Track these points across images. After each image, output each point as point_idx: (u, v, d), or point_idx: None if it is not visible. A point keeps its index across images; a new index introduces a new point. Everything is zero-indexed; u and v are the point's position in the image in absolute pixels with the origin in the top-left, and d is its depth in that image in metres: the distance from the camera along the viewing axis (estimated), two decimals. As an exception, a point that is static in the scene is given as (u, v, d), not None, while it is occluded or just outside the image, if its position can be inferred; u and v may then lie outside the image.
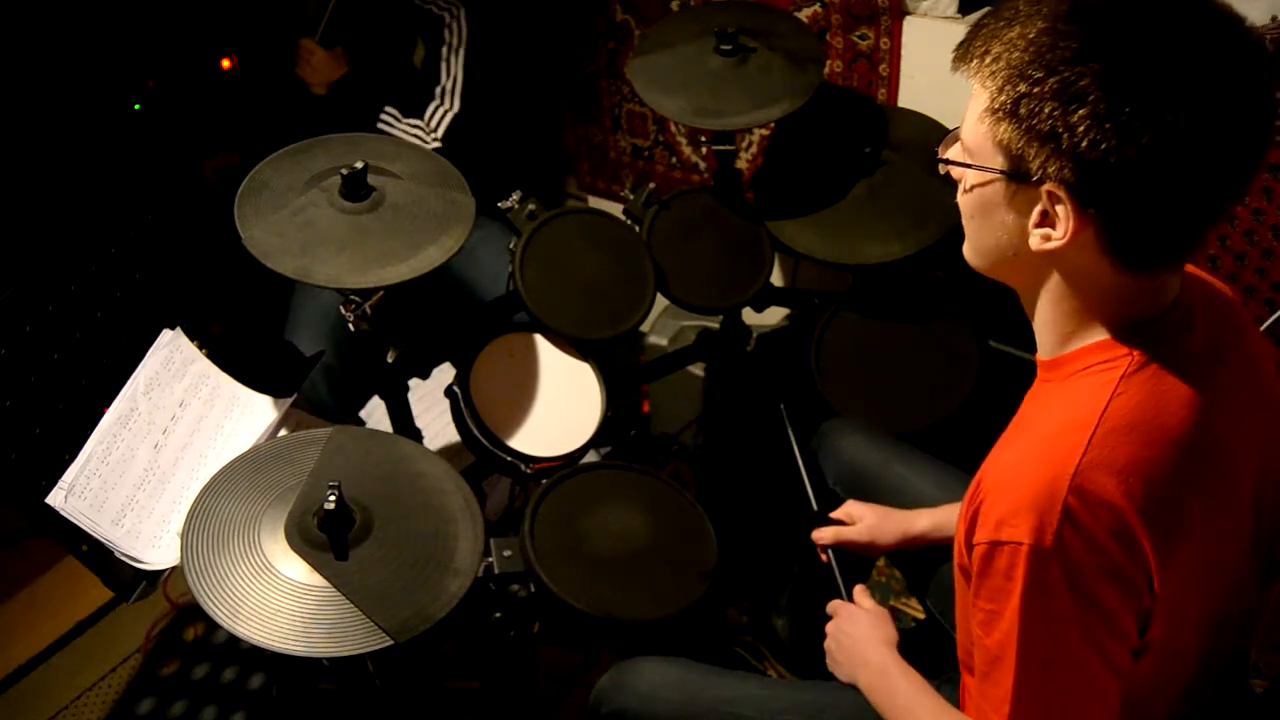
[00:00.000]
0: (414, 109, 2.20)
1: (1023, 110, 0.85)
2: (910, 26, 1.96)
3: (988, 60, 0.88)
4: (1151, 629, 0.94)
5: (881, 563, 1.95)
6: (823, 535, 1.48)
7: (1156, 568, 0.90)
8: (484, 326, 1.77)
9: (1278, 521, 1.06)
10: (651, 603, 1.50)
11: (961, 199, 0.98)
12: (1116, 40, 0.82)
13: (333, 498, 1.26)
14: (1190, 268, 1.03)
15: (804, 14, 2.07)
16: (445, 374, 1.82)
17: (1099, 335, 0.95)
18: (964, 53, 0.91)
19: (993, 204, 0.93)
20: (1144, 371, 0.92)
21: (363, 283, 1.44)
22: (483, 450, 1.68)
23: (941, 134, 1.01)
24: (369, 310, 1.52)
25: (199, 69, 2.37)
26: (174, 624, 2.13)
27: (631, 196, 1.93)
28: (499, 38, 2.25)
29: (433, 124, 2.19)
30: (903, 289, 1.91)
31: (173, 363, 1.68)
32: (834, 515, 1.50)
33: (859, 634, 1.30)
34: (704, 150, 2.43)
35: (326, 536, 1.28)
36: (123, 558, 1.52)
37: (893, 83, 2.03)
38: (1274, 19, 1.57)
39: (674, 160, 2.51)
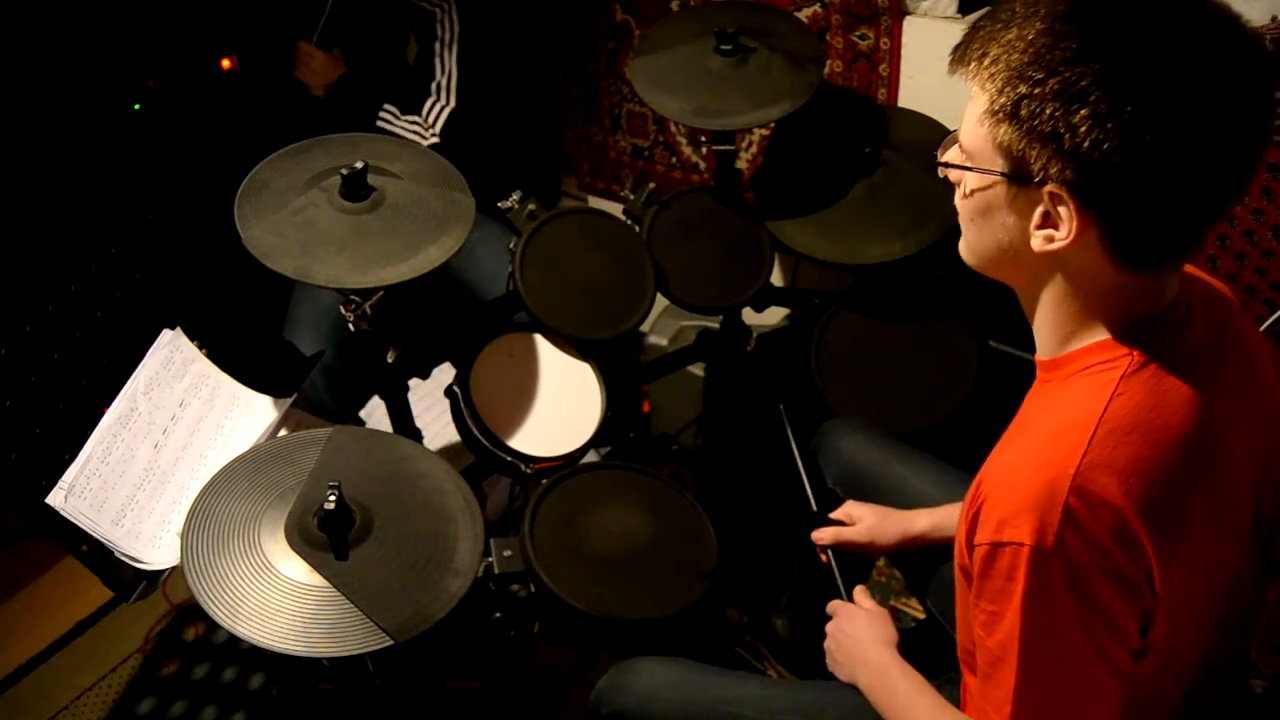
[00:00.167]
0: (411, 106, 2.21)
1: (1024, 112, 0.85)
2: (910, 26, 1.96)
3: (986, 62, 0.88)
4: (1153, 629, 0.94)
5: (881, 563, 1.95)
6: (822, 536, 1.48)
7: (1158, 568, 0.90)
8: (484, 326, 1.77)
9: (1277, 521, 1.06)
10: (651, 603, 1.50)
11: (960, 202, 0.98)
12: (1116, 40, 0.82)
13: (333, 498, 1.26)
14: (1190, 268, 1.03)
15: (804, 14, 2.07)
16: (445, 374, 1.82)
17: (1099, 335, 0.95)
18: (961, 55, 0.91)
19: (993, 206, 0.93)
20: (1144, 371, 0.92)
21: (363, 283, 1.44)
22: (483, 450, 1.68)
23: (941, 134, 1.01)
24: (369, 310, 1.52)
25: (199, 69, 2.37)
26: (174, 624, 2.13)
27: (631, 196, 1.93)
28: (492, 32, 2.25)
29: (430, 120, 2.19)
30: (903, 289, 1.91)
31: (173, 363, 1.68)
32: (834, 515, 1.50)
33: (859, 634, 1.30)
34: (704, 150, 2.43)
35: (326, 536, 1.28)
36: (123, 558, 1.52)
37: (893, 83, 2.03)
38: (1274, 19, 1.57)
39: (674, 160, 2.51)
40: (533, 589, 1.49)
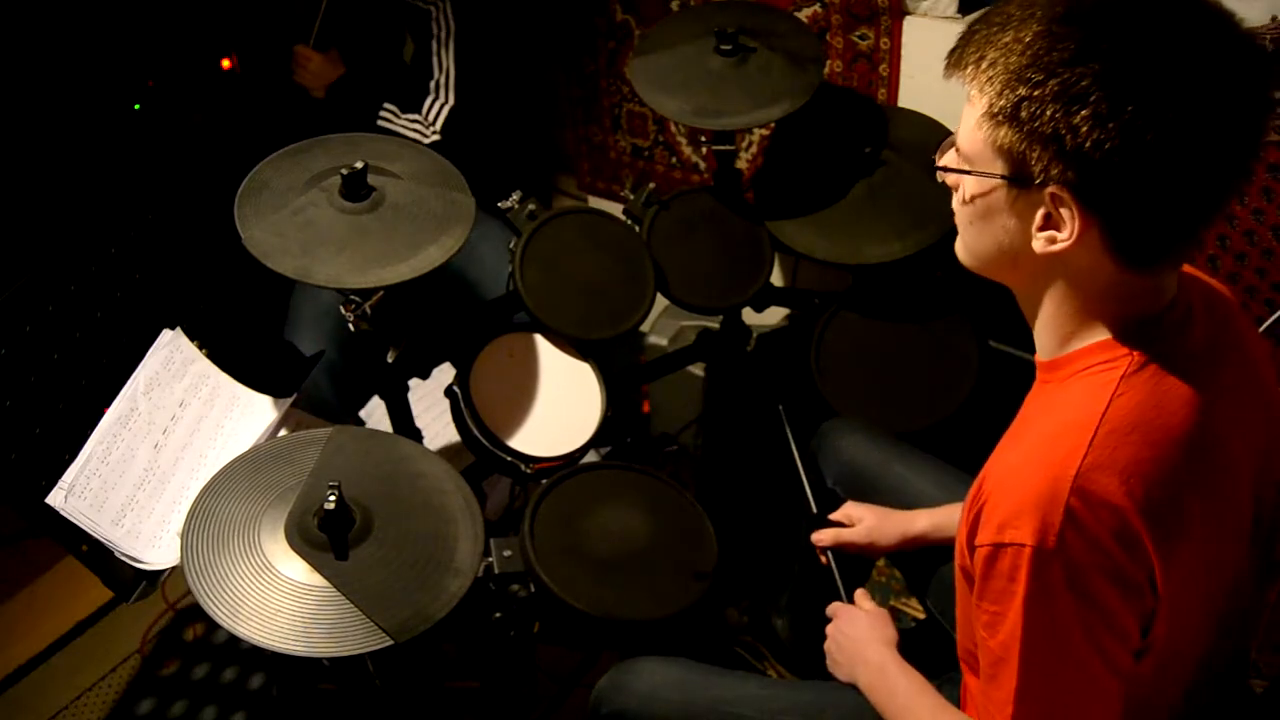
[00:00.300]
0: (411, 104, 2.21)
1: (1023, 114, 0.85)
2: (910, 26, 1.96)
3: (984, 66, 0.88)
4: (1153, 629, 0.94)
5: (881, 563, 1.95)
6: (822, 538, 1.48)
7: (1159, 568, 0.91)
8: (484, 326, 1.77)
9: (1276, 520, 1.06)
10: (651, 603, 1.50)
11: (958, 206, 0.98)
12: (1114, 40, 0.82)
13: (333, 498, 1.26)
14: (1189, 269, 1.03)
15: (804, 14, 2.07)
16: (445, 374, 1.82)
17: (1099, 335, 0.95)
18: (957, 59, 0.91)
19: (993, 209, 0.93)
20: (1144, 371, 0.92)
21: (363, 283, 1.44)
22: (483, 450, 1.68)
23: (942, 134, 1.01)
24: (369, 310, 1.52)
25: (199, 69, 2.37)
26: (174, 624, 2.13)
27: (631, 196, 1.93)
28: (488, 29, 2.25)
29: (430, 117, 2.19)
30: (903, 289, 1.91)
31: (173, 363, 1.68)
32: (833, 517, 1.50)
33: (858, 634, 1.30)
34: (704, 150, 2.43)
35: (326, 536, 1.28)
36: (123, 558, 1.52)
37: (893, 83, 2.03)
38: (1274, 19, 1.57)
39: (674, 160, 2.51)
40: (533, 589, 1.49)
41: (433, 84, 2.21)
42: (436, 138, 2.19)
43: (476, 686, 1.78)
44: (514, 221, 1.78)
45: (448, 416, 1.73)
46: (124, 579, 1.58)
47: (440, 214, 1.53)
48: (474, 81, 2.21)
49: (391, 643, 1.21)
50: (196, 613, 2.07)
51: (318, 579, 1.25)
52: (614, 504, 1.62)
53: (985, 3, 1.86)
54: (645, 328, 2.28)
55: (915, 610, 2.02)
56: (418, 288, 1.47)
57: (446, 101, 2.20)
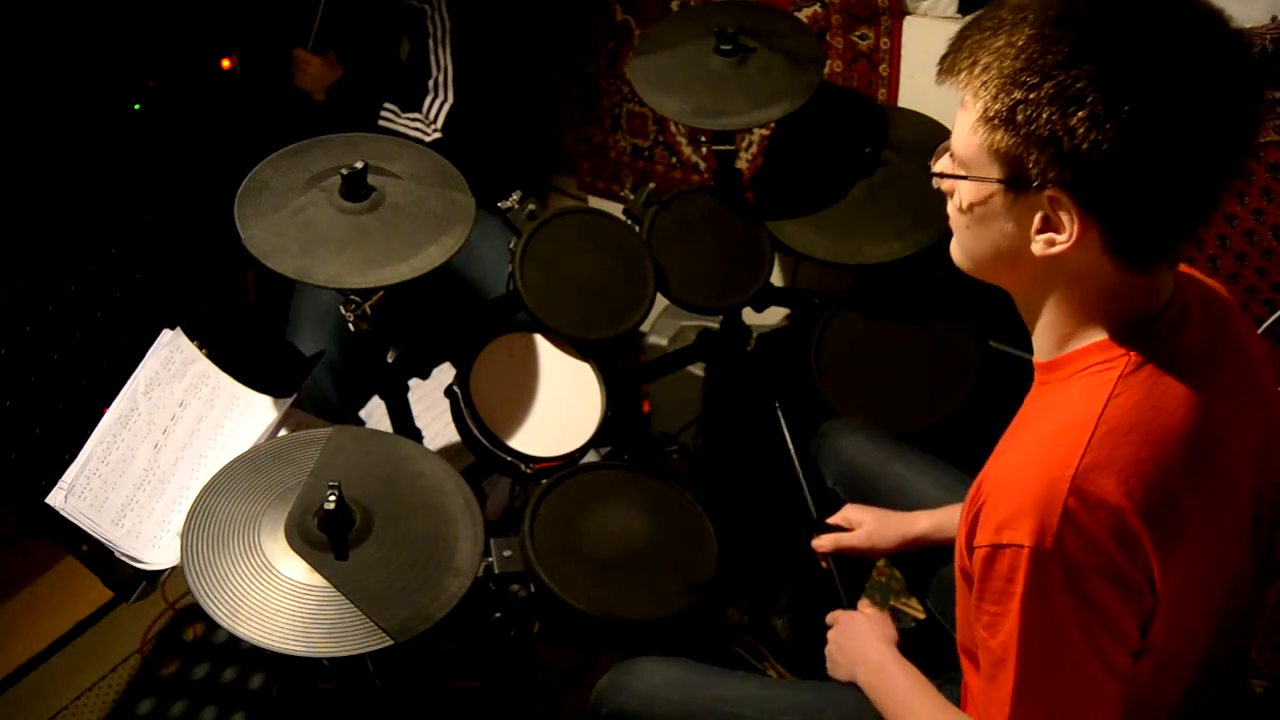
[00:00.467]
0: (411, 103, 2.21)
1: (1019, 117, 0.85)
2: (910, 26, 1.96)
3: (977, 70, 0.88)
4: (1152, 629, 0.94)
5: (882, 563, 1.96)
6: (822, 544, 1.49)
7: (1158, 568, 0.91)
8: (484, 326, 1.77)
9: (1276, 520, 1.06)
10: (651, 603, 1.50)
11: (955, 210, 0.98)
12: (1107, 41, 0.82)
13: (333, 498, 1.26)
14: (1187, 269, 1.03)
15: (804, 14, 2.07)
16: (445, 374, 1.82)
17: (1096, 336, 0.95)
18: (950, 65, 0.91)
19: (991, 213, 0.93)
20: (1141, 371, 0.92)
21: (363, 283, 1.44)
22: (483, 450, 1.68)
23: (942, 134, 1.01)
24: (369, 310, 1.52)
25: (199, 69, 2.37)
26: (174, 624, 2.13)
27: (631, 196, 1.93)
28: (485, 25, 2.25)
29: (431, 116, 2.20)
30: (903, 289, 1.91)
31: (173, 363, 1.68)
32: (832, 520, 1.50)
33: (858, 634, 1.30)
34: (704, 150, 2.43)
35: (326, 536, 1.28)
36: (123, 558, 1.52)
37: (893, 83, 2.03)
38: (1274, 19, 1.57)
39: (674, 160, 2.51)
40: (533, 589, 1.49)
41: (431, 82, 2.21)
42: (438, 135, 2.19)
43: (476, 686, 1.79)
44: (514, 221, 1.78)
45: (448, 416, 1.73)
46: (124, 579, 1.58)
47: (440, 214, 1.53)
48: (473, 79, 2.21)
49: (391, 643, 1.21)
50: (196, 613, 2.07)
51: (318, 579, 1.25)
52: (614, 504, 1.62)
53: (985, 2, 1.86)
54: (645, 328, 2.28)
55: (915, 610, 2.02)
56: (418, 288, 1.47)
57: (446, 99, 2.20)
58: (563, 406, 1.76)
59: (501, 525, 1.97)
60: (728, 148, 1.94)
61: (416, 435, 1.77)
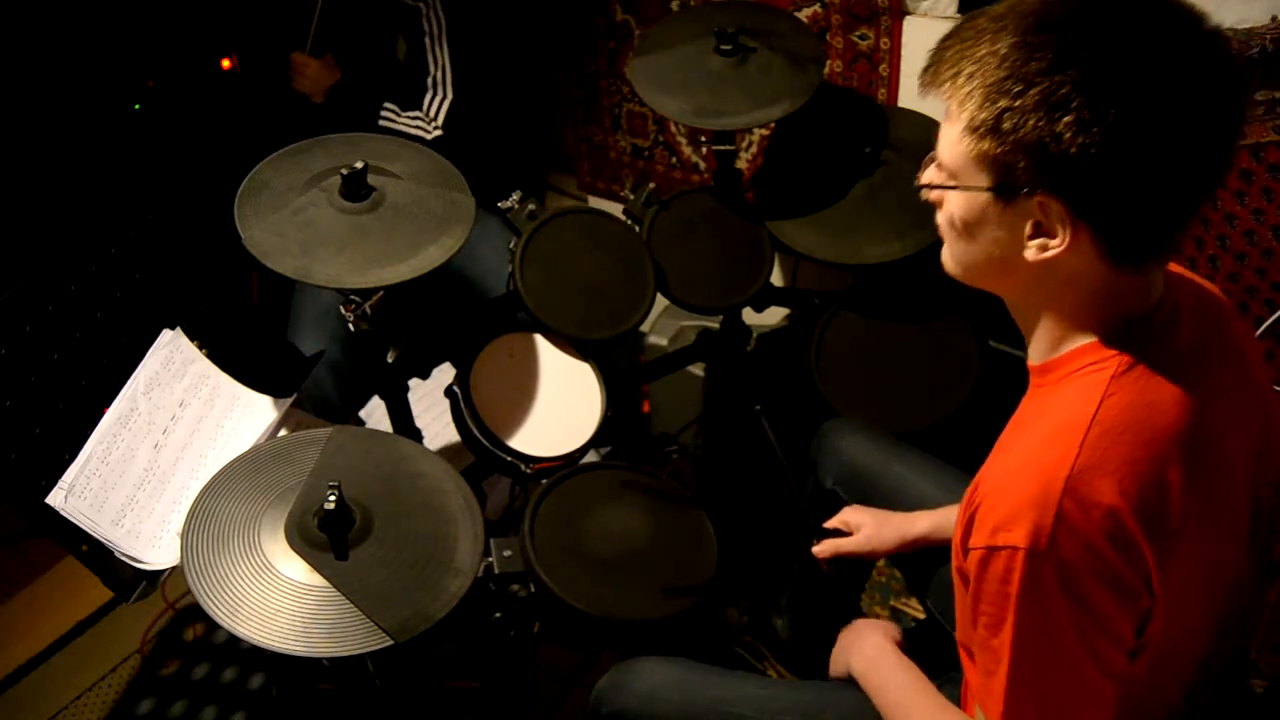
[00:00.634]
0: (411, 102, 2.21)
1: (1006, 125, 0.85)
2: (910, 26, 1.96)
3: (961, 80, 0.88)
4: (1149, 628, 0.94)
5: (882, 563, 1.96)
6: (821, 550, 1.49)
7: (1154, 569, 0.91)
8: (484, 326, 1.77)
9: (1274, 521, 1.06)
10: (651, 603, 1.50)
11: (944, 220, 0.98)
12: (1090, 45, 0.83)
13: (333, 498, 1.26)
14: (1181, 270, 1.03)
15: (804, 14, 2.07)
16: (445, 374, 1.82)
17: (1089, 338, 0.95)
18: (933, 76, 0.92)
19: (981, 221, 0.93)
20: (1134, 372, 0.93)
21: (363, 283, 1.44)
22: (483, 450, 1.68)
23: (942, 134, 1.01)
24: (369, 310, 1.52)
25: (199, 69, 2.37)
26: (174, 624, 2.13)
27: (631, 196, 1.93)
28: (482, 22, 2.25)
29: (431, 113, 2.20)
30: (903, 289, 1.91)
31: (173, 363, 1.68)
32: (831, 524, 1.50)
33: (860, 629, 1.31)
34: (704, 150, 2.43)
35: (326, 536, 1.28)
36: (123, 558, 1.52)
37: (893, 83, 2.03)
38: (1274, 19, 1.57)
39: (674, 160, 2.51)
40: (533, 589, 1.49)
41: (430, 80, 2.21)
42: (439, 133, 2.19)
43: (476, 686, 1.78)
44: (514, 221, 1.78)
45: (448, 416, 1.73)
46: (124, 579, 1.58)
47: (440, 214, 1.53)
48: (472, 75, 2.21)
49: (391, 643, 1.21)
50: (196, 613, 2.07)
51: (318, 579, 1.25)
52: (614, 504, 1.62)
53: (984, 2, 1.86)
54: (645, 328, 2.28)
55: (915, 610, 2.02)
56: (418, 288, 1.47)
57: (446, 96, 2.20)
58: (563, 406, 1.76)
59: (501, 525, 1.97)
60: (728, 148, 1.94)
61: (416, 435, 1.77)
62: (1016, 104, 0.84)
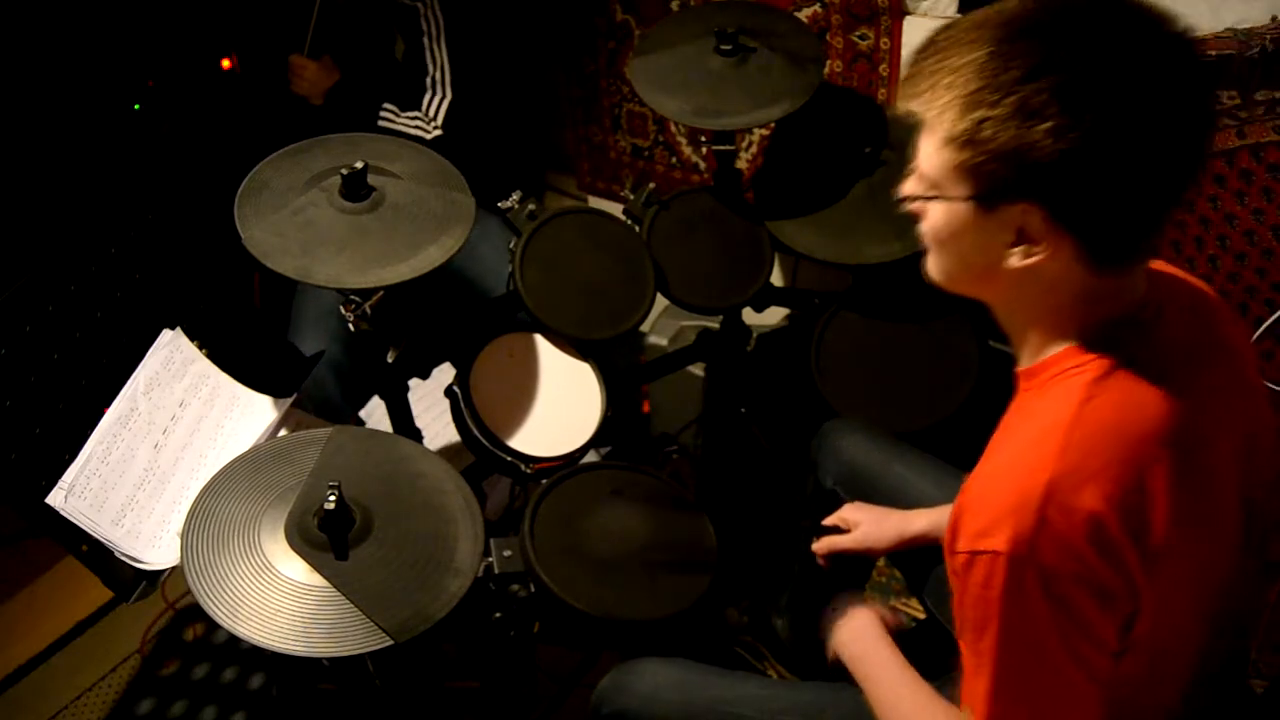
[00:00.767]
0: (410, 102, 2.21)
1: (984, 134, 0.86)
2: (910, 26, 1.96)
3: (938, 91, 0.89)
4: (1137, 630, 0.94)
5: (882, 563, 1.95)
6: (819, 547, 1.49)
7: (1140, 572, 0.91)
8: (484, 326, 1.77)
9: (1268, 521, 1.06)
10: (651, 603, 1.50)
11: (926, 230, 0.99)
12: (1064, 54, 0.84)
13: (333, 498, 1.26)
14: (1174, 270, 1.04)
15: (804, 14, 2.07)
16: (445, 374, 1.82)
17: (1071, 341, 0.96)
18: (910, 88, 0.93)
19: (963, 230, 0.94)
20: (1116, 374, 0.93)
21: (363, 283, 1.44)
22: (483, 450, 1.68)
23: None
24: (369, 310, 1.52)
25: (199, 69, 2.37)
26: (174, 624, 2.13)
27: (631, 196, 1.93)
28: (479, 19, 2.25)
29: (431, 113, 2.20)
30: (903, 289, 1.90)
31: (173, 363, 1.68)
32: (830, 520, 1.50)
33: (846, 611, 1.32)
34: (704, 150, 2.43)
35: (326, 536, 1.28)
36: (123, 558, 1.52)
37: (892, 83, 2.03)
38: (1274, 19, 1.57)
39: (674, 160, 2.51)
40: (533, 589, 1.49)
41: (429, 80, 2.21)
42: (439, 133, 2.19)
43: (476, 686, 1.78)
44: (514, 221, 1.78)
45: (448, 416, 1.73)
46: (124, 579, 1.58)
47: (440, 214, 1.53)
48: (471, 74, 2.21)
49: (391, 643, 1.21)
50: (196, 613, 2.07)
51: (318, 579, 1.25)
52: (614, 504, 1.62)
53: (984, 3, 1.86)
54: (645, 328, 2.28)
55: (915, 610, 2.02)
56: (418, 288, 1.47)
57: (445, 96, 2.20)
58: (563, 406, 1.76)
59: (501, 525, 1.97)
60: (728, 148, 1.94)
61: (416, 435, 1.77)
62: (994, 113, 0.85)
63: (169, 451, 1.62)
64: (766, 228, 1.92)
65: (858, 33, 2.03)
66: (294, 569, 1.26)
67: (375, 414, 2.06)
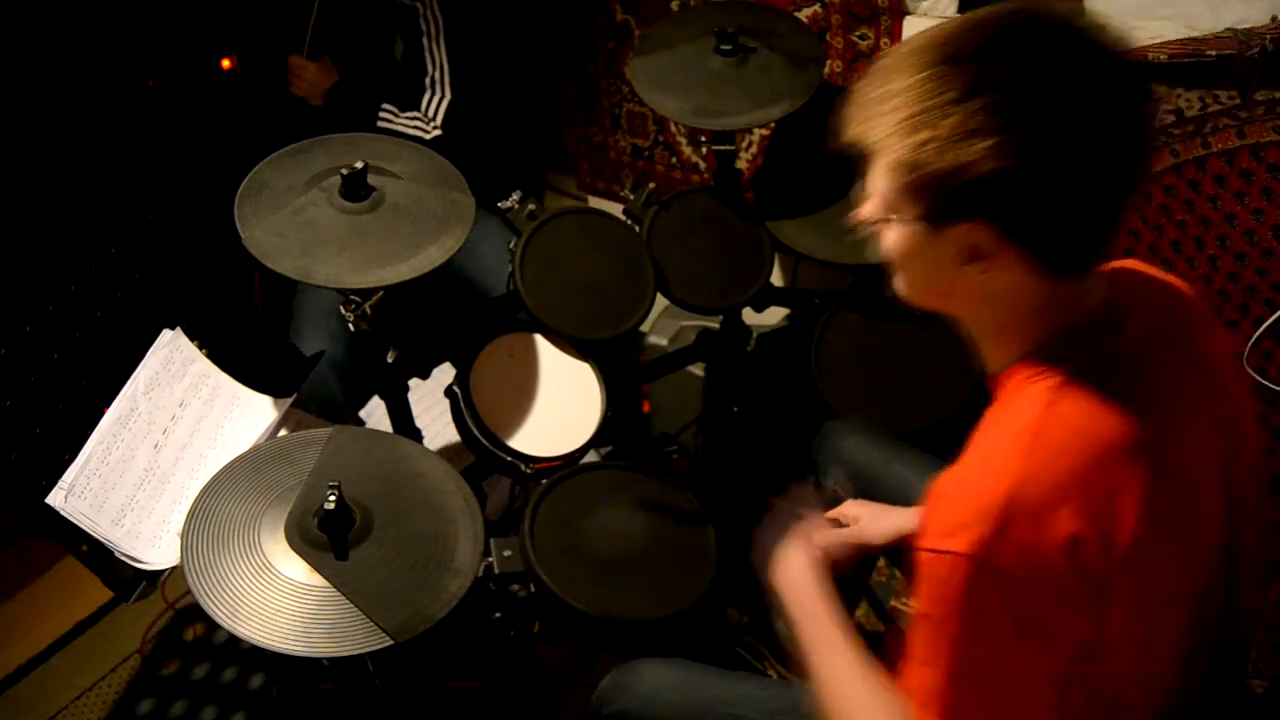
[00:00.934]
0: (409, 102, 2.21)
1: (926, 156, 0.88)
2: (910, 26, 1.96)
3: (881, 117, 0.91)
4: (1108, 631, 0.95)
5: (881, 563, 1.95)
6: (818, 540, 1.48)
7: (1105, 575, 0.91)
8: (484, 326, 1.78)
9: (1260, 518, 1.06)
10: (651, 603, 1.50)
11: (885, 252, 1.01)
12: (998, 73, 0.86)
13: (333, 498, 1.27)
14: (1147, 269, 1.06)
15: (804, 14, 2.07)
16: (445, 374, 1.82)
17: (1034, 348, 0.98)
18: (855, 118, 0.95)
19: (918, 250, 0.96)
20: (1076, 380, 0.95)
21: (363, 283, 1.44)
22: (483, 450, 1.68)
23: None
24: (369, 310, 1.52)
25: (199, 69, 2.37)
26: (174, 624, 2.13)
27: (631, 196, 1.93)
28: (478, 19, 2.25)
29: (430, 113, 2.19)
30: (903, 289, 1.90)
31: (173, 363, 1.68)
32: (830, 516, 1.50)
33: (786, 545, 1.27)
34: (704, 150, 2.43)
35: (326, 536, 1.28)
36: (123, 558, 1.52)
37: (893, 83, 2.03)
38: (1274, 19, 1.57)
39: (674, 160, 2.51)
40: (533, 589, 1.49)
41: (428, 80, 2.21)
42: (438, 133, 2.19)
43: (476, 686, 1.79)
44: (514, 221, 1.78)
45: (448, 416, 1.73)
46: (124, 579, 1.58)
47: (440, 214, 1.53)
48: (471, 74, 2.21)
49: (391, 643, 1.21)
50: (196, 613, 2.07)
51: (318, 579, 1.25)
52: (614, 504, 1.62)
53: (983, 2, 1.86)
54: (645, 328, 2.28)
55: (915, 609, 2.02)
56: (418, 288, 1.47)
57: (445, 96, 2.20)
58: (563, 406, 1.76)
59: (501, 525, 1.97)
60: (728, 148, 1.94)
61: (416, 435, 1.77)
62: (934, 134, 0.87)
63: (169, 451, 1.62)
64: (766, 228, 1.92)
65: (858, 33, 2.03)
66: (294, 569, 1.26)
67: (375, 414, 2.06)
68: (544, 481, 1.62)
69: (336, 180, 1.49)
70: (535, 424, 1.73)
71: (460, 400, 1.68)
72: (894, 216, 0.95)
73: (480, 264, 2.14)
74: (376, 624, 1.22)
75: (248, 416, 1.70)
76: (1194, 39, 1.61)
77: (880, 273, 1.82)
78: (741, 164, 2.34)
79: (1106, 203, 0.90)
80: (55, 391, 1.81)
